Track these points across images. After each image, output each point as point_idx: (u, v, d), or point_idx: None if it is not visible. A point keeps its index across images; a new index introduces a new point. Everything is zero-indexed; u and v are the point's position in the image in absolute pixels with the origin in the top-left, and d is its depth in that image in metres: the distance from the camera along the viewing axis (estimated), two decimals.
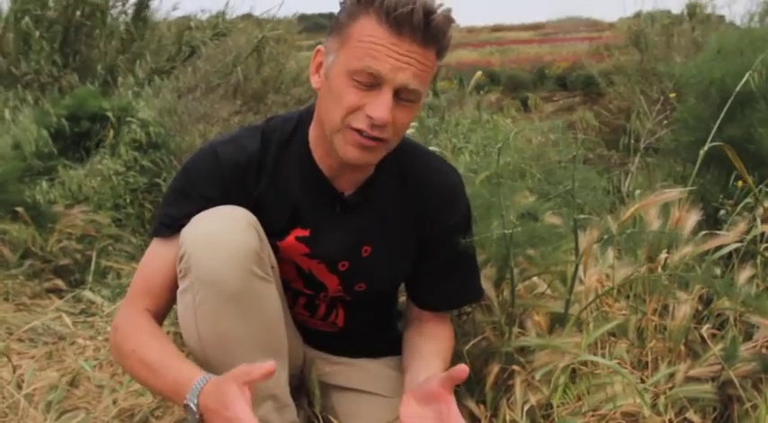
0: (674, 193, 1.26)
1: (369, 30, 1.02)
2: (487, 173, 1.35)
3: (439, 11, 1.03)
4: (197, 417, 0.97)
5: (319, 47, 1.12)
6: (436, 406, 1.05)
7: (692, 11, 6.32)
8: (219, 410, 0.94)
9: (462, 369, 1.01)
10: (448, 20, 1.04)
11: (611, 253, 1.51)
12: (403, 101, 1.06)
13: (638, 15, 7.01)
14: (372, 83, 1.03)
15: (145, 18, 6.18)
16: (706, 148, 1.43)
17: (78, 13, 5.61)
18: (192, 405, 0.97)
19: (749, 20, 5.55)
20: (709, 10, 6.42)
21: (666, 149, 2.87)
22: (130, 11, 6.04)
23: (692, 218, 1.40)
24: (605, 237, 1.31)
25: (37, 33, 5.42)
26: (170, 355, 1.06)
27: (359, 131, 1.05)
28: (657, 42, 6.23)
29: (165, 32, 6.51)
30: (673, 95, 3.14)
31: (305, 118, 1.19)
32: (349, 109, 1.05)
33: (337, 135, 1.08)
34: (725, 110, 1.74)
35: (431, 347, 1.23)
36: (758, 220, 1.62)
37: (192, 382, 0.99)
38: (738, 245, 1.55)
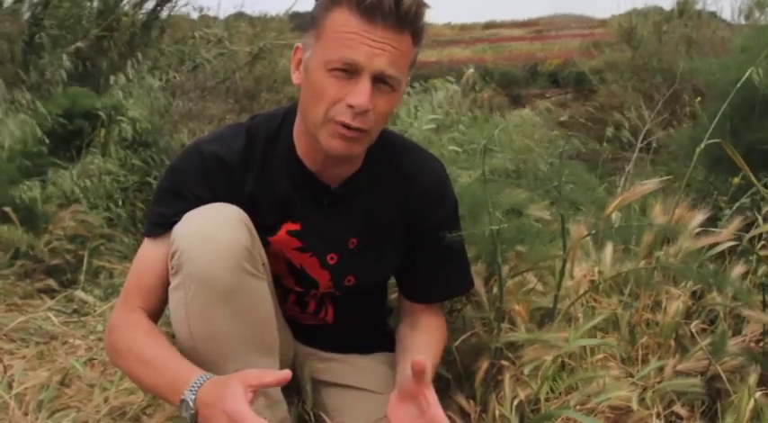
0: (651, 184, 1.27)
1: (341, 21, 1.04)
2: (479, 171, 1.35)
3: None
4: (192, 412, 0.97)
5: (297, 44, 1.13)
6: (417, 401, 1.06)
7: (682, 7, 6.34)
8: (217, 403, 0.93)
9: (418, 360, 1.03)
10: (419, 3, 1.05)
11: (602, 248, 1.51)
12: (382, 87, 1.06)
13: (629, 12, 7.05)
14: (350, 72, 1.04)
15: (152, 27, 6.24)
16: (702, 145, 1.42)
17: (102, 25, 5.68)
18: (189, 400, 0.97)
19: (738, 15, 5.59)
20: (699, 6, 6.45)
21: (667, 148, 2.86)
22: (141, 18, 6.10)
23: (697, 217, 1.40)
24: (593, 231, 1.32)
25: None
26: (168, 353, 1.05)
27: (343, 124, 1.06)
28: (649, 39, 6.26)
29: (166, 39, 6.57)
30: (698, 100, 3.10)
31: (289, 115, 1.20)
32: (330, 101, 1.06)
33: (321, 129, 1.08)
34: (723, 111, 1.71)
35: (420, 341, 1.24)
36: (760, 219, 1.61)
37: (190, 379, 0.99)
38: (735, 243, 1.55)
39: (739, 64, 2.08)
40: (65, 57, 5.25)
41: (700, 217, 1.45)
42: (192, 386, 0.98)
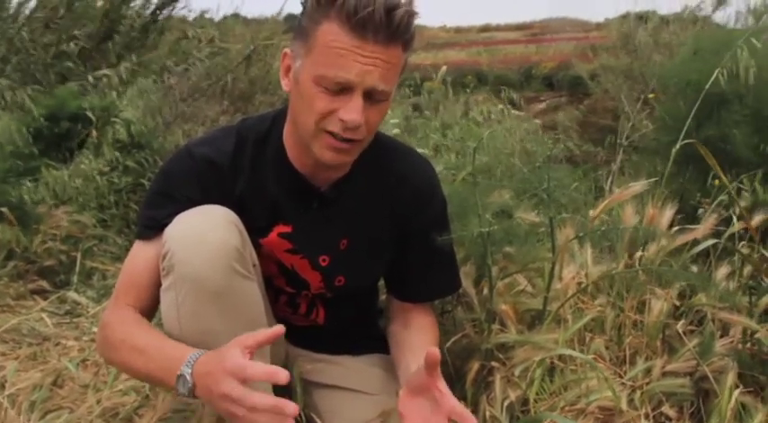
0: (638, 186, 1.28)
1: (332, 35, 1.02)
2: (466, 172, 1.36)
3: (399, 7, 1.02)
4: (189, 386, 0.97)
5: (286, 50, 1.12)
6: (429, 394, 1.06)
7: (683, 11, 6.33)
8: (216, 368, 0.93)
9: (432, 351, 1.01)
10: (409, 14, 1.04)
11: (588, 250, 1.53)
12: (373, 101, 1.07)
13: (625, 16, 7.06)
14: (342, 88, 1.04)
15: (155, 29, 6.25)
16: (677, 146, 1.45)
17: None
18: (186, 374, 0.97)
19: (734, 21, 5.60)
20: (699, 12, 6.47)
21: (648, 149, 2.89)
22: (140, 22, 6.11)
23: (667, 214, 1.41)
24: (581, 234, 1.33)
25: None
26: (160, 338, 1.06)
27: (333, 135, 1.07)
28: (645, 43, 6.27)
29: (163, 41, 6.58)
30: (652, 96, 3.15)
31: (279, 118, 1.21)
32: (321, 114, 1.06)
33: (314, 140, 1.09)
34: (694, 109, 1.76)
35: (417, 339, 1.25)
36: (735, 218, 1.64)
37: (185, 357, 0.99)
38: (715, 241, 1.57)
39: (692, 65, 2.14)
40: (71, 50, 5.26)
41: (670, 214, 1.45)
42: (188, 361, 0.98)
